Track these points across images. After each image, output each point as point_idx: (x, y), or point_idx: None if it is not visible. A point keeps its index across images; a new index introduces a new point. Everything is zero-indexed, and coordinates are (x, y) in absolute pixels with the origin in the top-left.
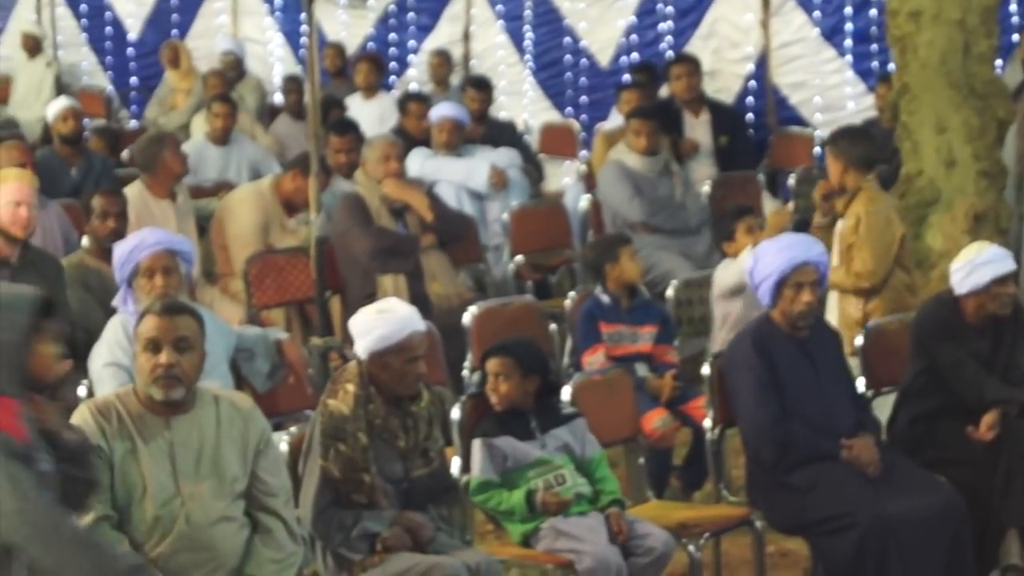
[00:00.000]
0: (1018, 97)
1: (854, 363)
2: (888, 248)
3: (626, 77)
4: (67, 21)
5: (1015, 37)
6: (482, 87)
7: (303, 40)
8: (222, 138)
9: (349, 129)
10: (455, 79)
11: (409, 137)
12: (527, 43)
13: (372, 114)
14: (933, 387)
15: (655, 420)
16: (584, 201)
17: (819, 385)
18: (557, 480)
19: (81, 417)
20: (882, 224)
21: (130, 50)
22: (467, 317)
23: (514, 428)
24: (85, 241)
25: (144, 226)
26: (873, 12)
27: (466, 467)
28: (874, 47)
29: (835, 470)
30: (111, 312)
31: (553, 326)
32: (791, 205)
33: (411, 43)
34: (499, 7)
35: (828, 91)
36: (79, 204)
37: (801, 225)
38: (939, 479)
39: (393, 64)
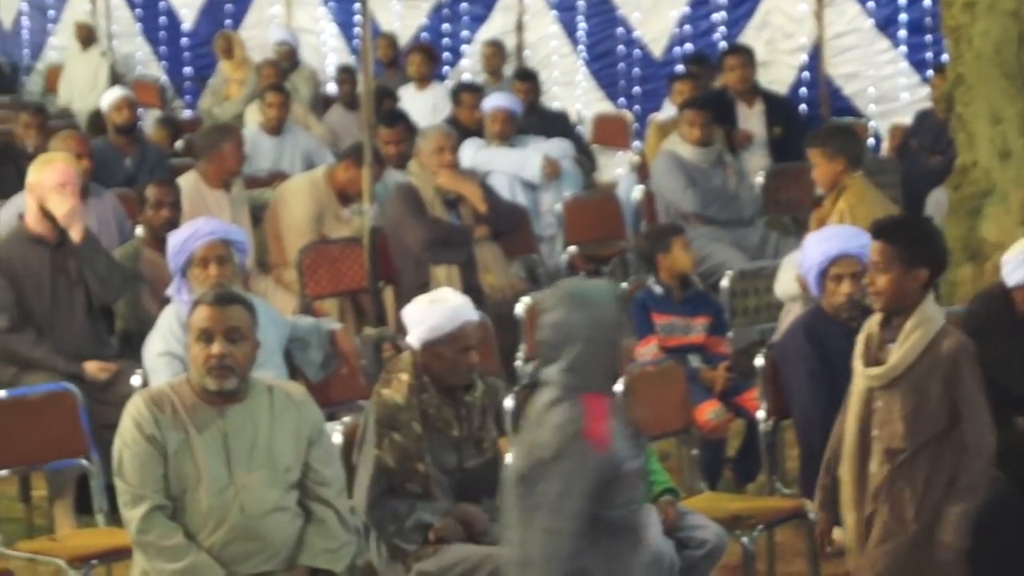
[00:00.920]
0: None
1: None
2: None
3: (679, 67)
4: (122, 11)
5: None
6: (528, 79)
7: (356, 30)
8: (276, 128)
9: (398, 120)
10: (508, 69)
11: (462, 127)
12: (580, 33)
13: (425, 104)
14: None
15: (708, 412)
16: (637, 192)
17: None
18: None
19: (135, 407)
20: (867, 219)
21: (184, 40)
22: (520, 308)
23: None
24: (139, 231)
25: (198, 215)
26: (927, 2)
27: None
28: (928, 38)
29: None
30: (165, 301)
31: None
32: None
33: (464, 33)
34: None
35: (882, 82)
36: (133, 194)
37: None
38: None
39: (446, 54)
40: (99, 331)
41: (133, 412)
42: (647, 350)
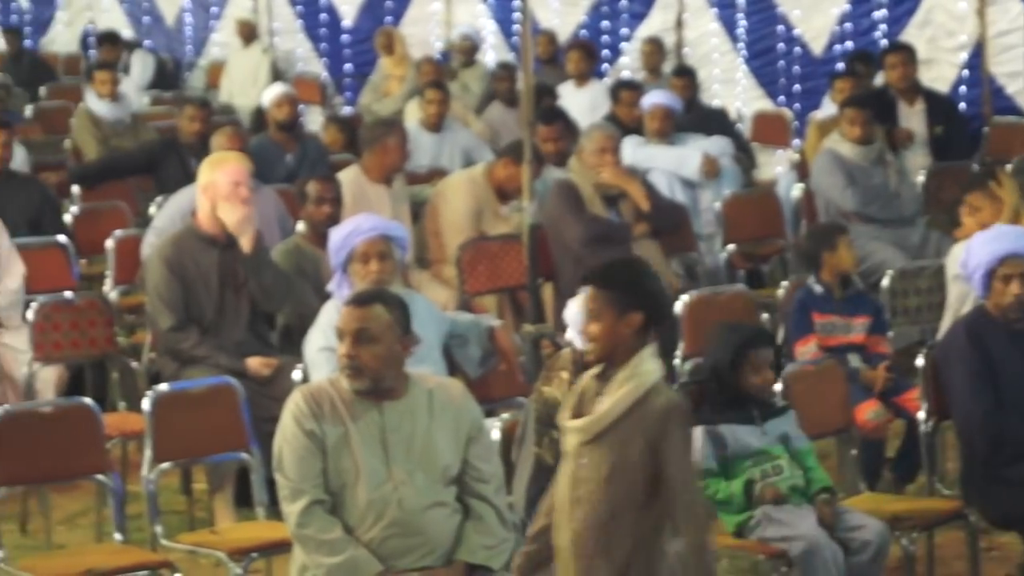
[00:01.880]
0: None
1: None
2: None
3: (839, 65)
4: (282, 8)
5: None
6: (686, 75)
7: (516, 27)
8: (435, 125)
9: (557, 118)
10: (667, 67)
11: (621, 125)
12: (740, 31)
13: (583, 102)
14: None
15: (868, 411)
16: (796, 190)
17: None
18: (775, 471)
19: (295, 402)
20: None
21: (345, 37)
22: (679, 306)
23: (736, 415)
24: (300, 226)
25: (359, 210)
26: None
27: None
28: None
29: None
30: (326, 297)
31: (765, 316)
32: None
33: (623, 31)
34: None
35: None
36: (294, 190)
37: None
38: None
39: (605, 52)
40: (261, 328)
41: (293, 407)
42: (807, 349)
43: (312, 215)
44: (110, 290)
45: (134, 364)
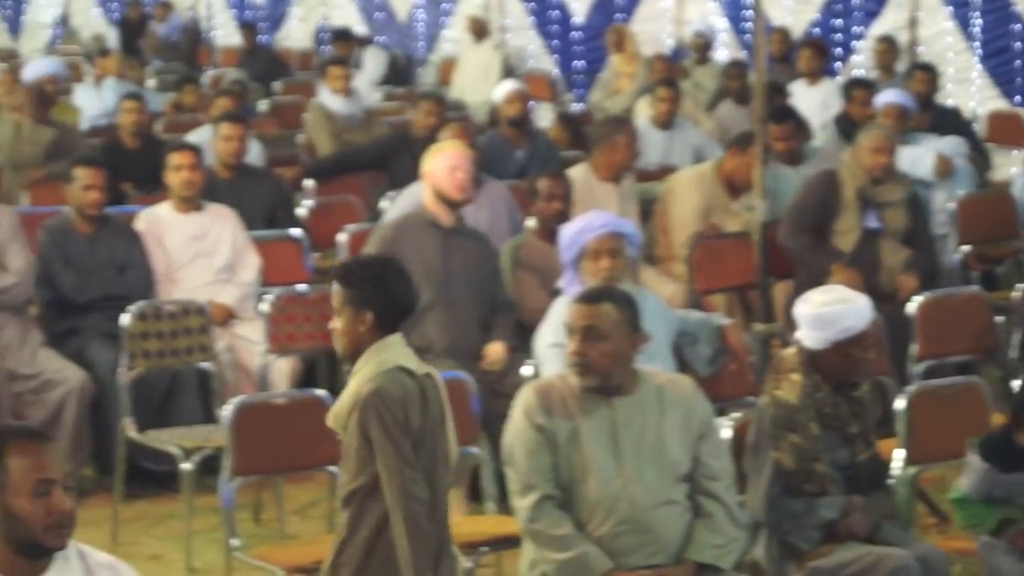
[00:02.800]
0: None
1: None
2: None
3: None
4: (514, 5)
5: None
6: (926, 70)
7: (747, 25)
8: (666, 122)
9: (787, 116)
10: (900, 66)
11: (853, 123)
12: (975, 29)
13: (815, 100)
14: None
15: None
16: None
17: None
18: None
19: (525, 398)
20: None
21: (575, 34)
22: (912, 307)
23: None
24: (530, 222)
25: (587, 207)
26: None
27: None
28: None
29: None
30: (555, 293)
31: (1000, 318)
32: None
33: (856, 29)
34: None
35: None
36: (524, 186)
37: None
38: None
39: (837, 50)
40: (485, 317)
41: (523, 403)
42: None
43: (542, 211)
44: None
45: None
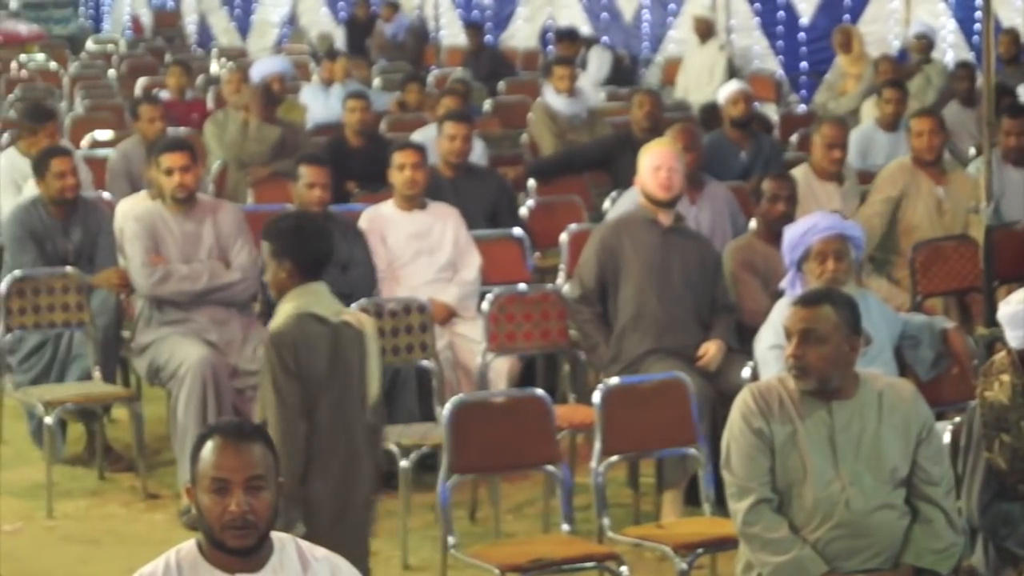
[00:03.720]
0: None
1: None
2: None
3: None
4: (740, 6)
5: None
6: None
7: (976, 26)
8: (892, 124)
9: (1021, 112)
10: None
11: None
12: None
13: None
14: None
15: None
16: None
17: None
18: None
19: (743, 400)
20: None
21: (801, 35)
22: None
23: None
24: (753, 223)
25: (807, 208)
26: None
27: None
28: None
29: None
30: (777, 295)
31: None
32: None
33: None
34: None
35: None
36: (748, 187)
37: None
38: None
39: None
40: (705, 317)
41: (741, 405)
42: None
43: (766, 212)
44: (563, 283)
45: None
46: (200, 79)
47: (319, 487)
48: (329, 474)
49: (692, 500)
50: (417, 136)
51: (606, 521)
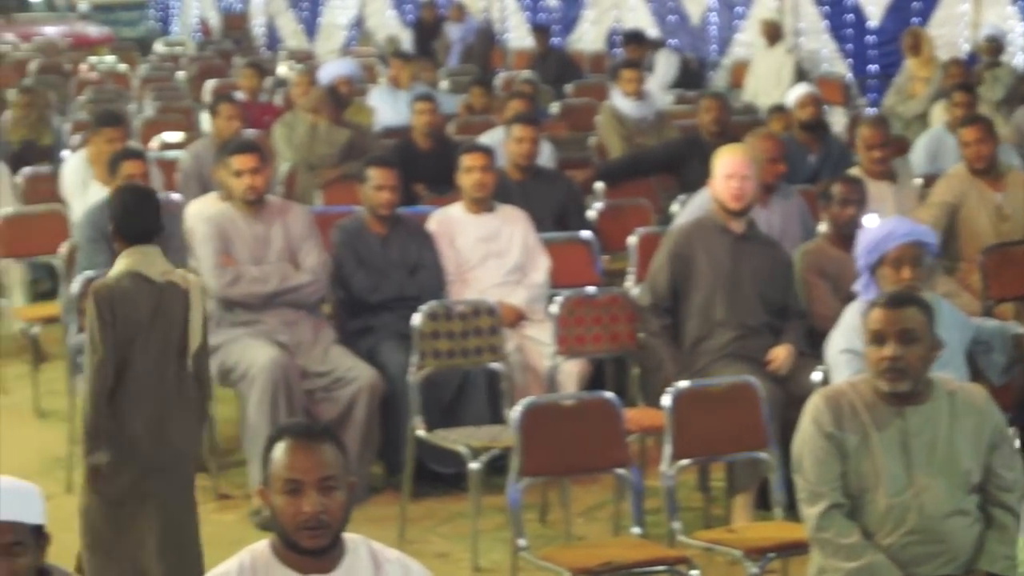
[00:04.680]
0: None
1: None
2: None
3: None
4: (808, 8)
5: None
6: None
7: None
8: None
9: None
10: None
11: None
12: None
13: None
14: None
15: None
16: None
17: None
18: None
19: (815, 405)
20: None
21: (870, 37)
22: None
23: None
24: (822, 227)
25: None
26: None
27: None
28: None
29: None
30: (848, 299)
31: None
32: None
33: None
34: None
35: None
36: (817, 190)
37: None
38: None
39: None
40: (776, 322)
41: (813, 410)
42: None
43: (836, 216)
44: (632, 287)
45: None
46: (268, 81)
47: (136, 424)
48: (143, 412)
49: (763, 504)
50: (485, 139)
51: (677, 525)
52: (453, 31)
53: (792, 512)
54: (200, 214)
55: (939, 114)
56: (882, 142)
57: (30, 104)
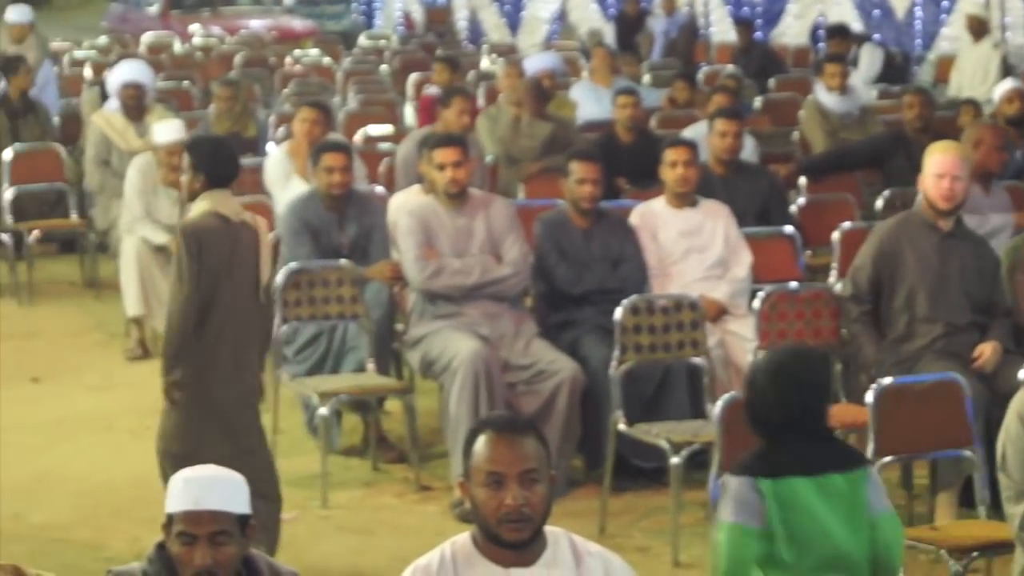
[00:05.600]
0: None
1: None
2: None
3: None
4: (1014, 3)
5: None
6: None
7: None
8: None
9: None
10: None
11: None
12: None
13: None
14: None
15: None
16: None
17: None
18: None
19: (1019, 401)
20: None
21: None
22: None
23: None
24: None
25: None
26: None
27: None
28: None
29: None
30: None
31: None
32: None
33: None
34: None
35: None
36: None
37: None
38: None
39: None
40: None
41: (1018, 407)
42: None
43: None
44: (835, 283)
45: None
46: (471, 75)
47: (221, 346)
48: (226, 336)
49: (967, 502)
50: (688, 133)
51: None
52: (656, 24)
53: (997, 511)
54: (403, 207)
55: None
56: None
57: (234, 97)
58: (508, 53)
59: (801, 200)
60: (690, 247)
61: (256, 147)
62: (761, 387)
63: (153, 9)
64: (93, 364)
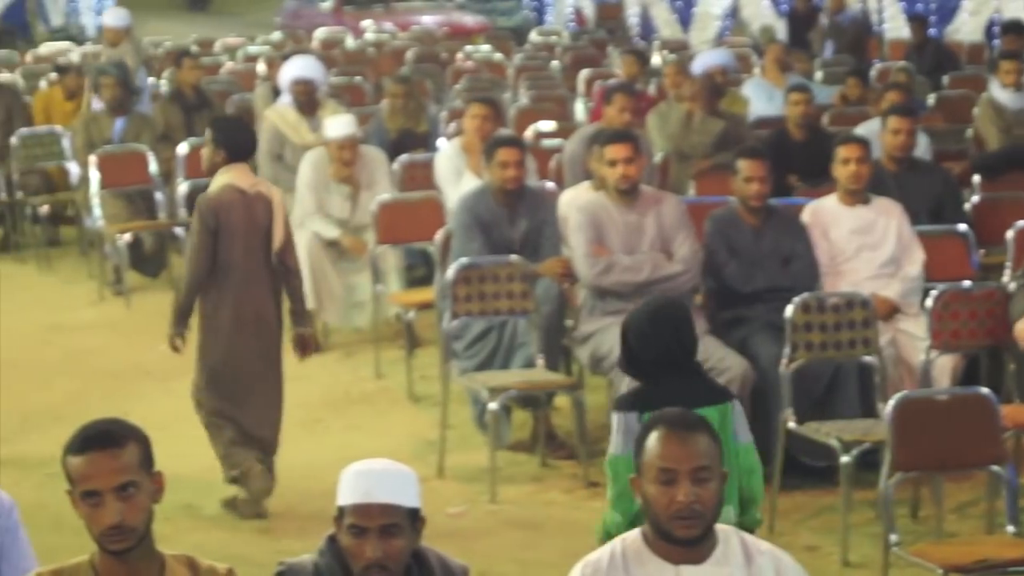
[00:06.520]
0: None
1: None
2: None
3: None
4: None
5: None
6: None
7: None
8: None
9: None
10: None
11: None
12: None
13: None
14: None
15: None
16: None
17: None
18: None
19: None
20: None
21: None
22: None
23: None
24: None
25: None
26: None
27: None
28: None
29: None
30: None
31: None
32: None
33: None
34: None
35: None
36: None
37: None
38: None
39: None
40: None
41: None
42: None
43: None
44: (1008, 281)
45: None
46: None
47: (226, 299)
48: (231, 292)
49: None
50: (860, 130)
51: None
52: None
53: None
54: (573, 203)
55: None
56: None
57: (407, 93)
58: (680, 49)
59: (975, 198)
60: (862, 245)
61: (427, 143)
62: (639, 328)
63: (326, 5)
64: None
